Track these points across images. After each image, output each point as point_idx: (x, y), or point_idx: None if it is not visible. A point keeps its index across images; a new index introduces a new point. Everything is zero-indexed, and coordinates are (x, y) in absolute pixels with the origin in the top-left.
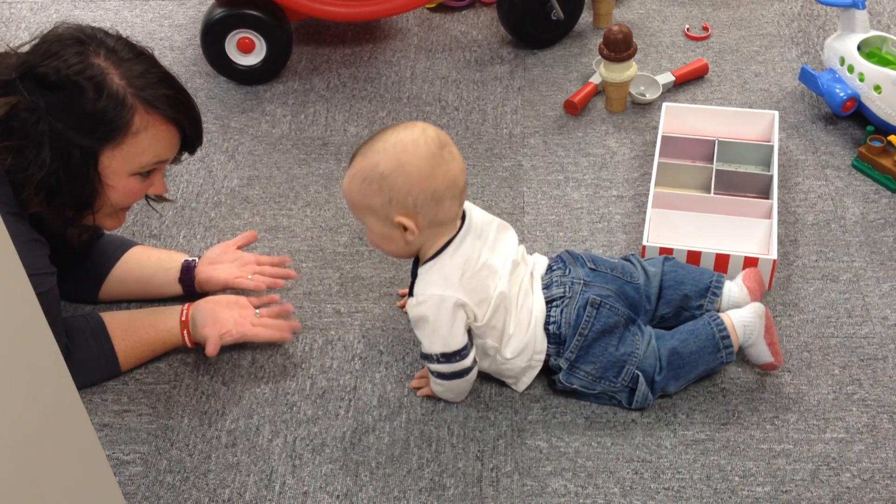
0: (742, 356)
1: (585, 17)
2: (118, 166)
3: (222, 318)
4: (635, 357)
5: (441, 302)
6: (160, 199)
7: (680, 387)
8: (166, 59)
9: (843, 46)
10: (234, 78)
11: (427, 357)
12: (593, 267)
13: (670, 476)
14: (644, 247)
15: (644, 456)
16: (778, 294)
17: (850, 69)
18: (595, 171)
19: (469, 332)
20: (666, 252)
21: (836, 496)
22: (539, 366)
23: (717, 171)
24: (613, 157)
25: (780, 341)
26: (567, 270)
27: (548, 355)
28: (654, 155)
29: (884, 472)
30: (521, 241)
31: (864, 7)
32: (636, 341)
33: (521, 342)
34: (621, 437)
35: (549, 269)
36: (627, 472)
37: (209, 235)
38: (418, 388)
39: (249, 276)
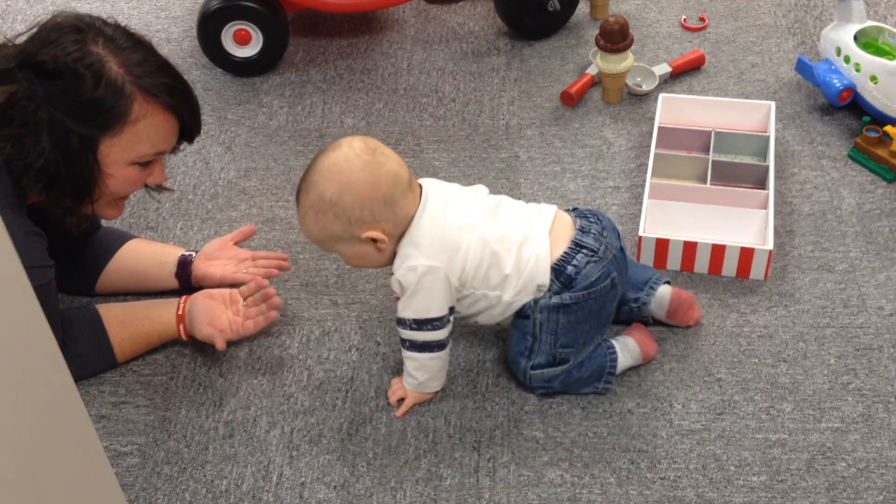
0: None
1: (582, 8)
2: (117, 155)
3: (219, 317)
4: (582, 350)
5: (418, 271)
6: (160, 188)
7: (557, 394)
8: (163, 51)
9: (840, 37)
10: (231, 70)
11: (401, 322)
12: (622, 248)
13: (666, 466)
14: (640, 237)
15: (640, 446)
16: (774, 284)
17: (847, 59)
18: (591, 163)
19: (451, 310)
20: (662, 243)
21: (831, 485)
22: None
23: (713, 161)
24: (610, 148)
25: (777, 332)
26: (604, 231)
27: (549, 290)
28: (650, 146)
29: (879, 462)
30: None
31: None
32: (593, 341)
33: (522, 278)
34: (617, 427)
35: (586, 216)
36: (623, 462)
37: (206, 227)
38: (398, 402)
39: (244, 270)
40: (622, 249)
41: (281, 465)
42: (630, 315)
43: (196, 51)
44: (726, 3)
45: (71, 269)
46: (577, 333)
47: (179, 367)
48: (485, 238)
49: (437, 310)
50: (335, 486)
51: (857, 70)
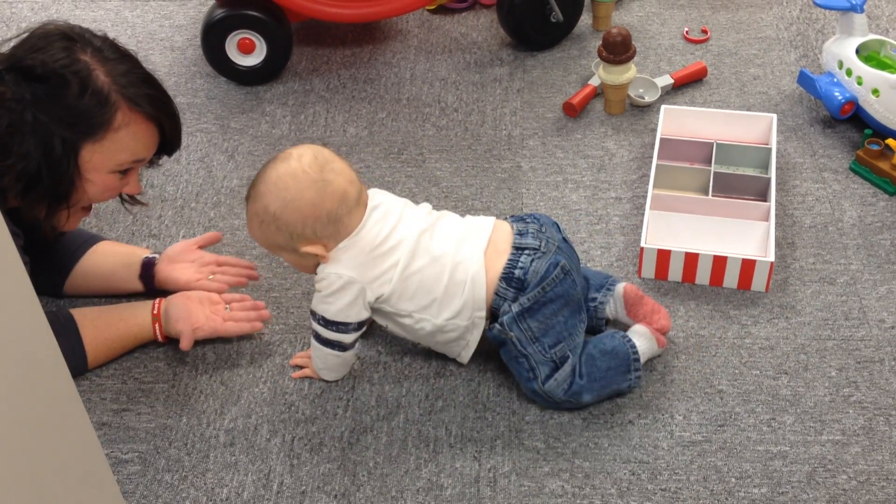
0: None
1: (585, 20)
2: (98, 161)
3: (195, 314)
4: (573, 340)
5: (337, 279)
6: (134, 201)
7: (591, 400)
8: (166, 60)
9: (842, 50)
10: (235, 78)
11: (313, 314)
12: (565, 239)
13: (667, 477)
14: (642, 249)
15: (641, 457)
16: (775, 296)
17: (849, 73)
18: (593, 173)
19: (362, 322)
20: (664, 254)
21: (832, 498)
22: (482, 324)
23: (715, 173)
24: (612, 159)
25: (778, 344)
26: (542, 228)
27: (502, 301)
28: (652, 157)
29: (880, 474)
30: None
31: (862, 11)
32: (579, 329)
33: (459, 303)
34: (618, 438)
35: (523, 220)
36: (624, 473)
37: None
38: (300, 368)
39: (210, 277)
40: (566, 240)
41: (282, 474)
42: (588, 316)
43: (200, 59)
44: (728, 15)
45: (39, 270)
46: (555, 328)
47: (181, 374)
48: (414, 262)
49: (345, 317)
50: (336, 495)
51: (859, 83)
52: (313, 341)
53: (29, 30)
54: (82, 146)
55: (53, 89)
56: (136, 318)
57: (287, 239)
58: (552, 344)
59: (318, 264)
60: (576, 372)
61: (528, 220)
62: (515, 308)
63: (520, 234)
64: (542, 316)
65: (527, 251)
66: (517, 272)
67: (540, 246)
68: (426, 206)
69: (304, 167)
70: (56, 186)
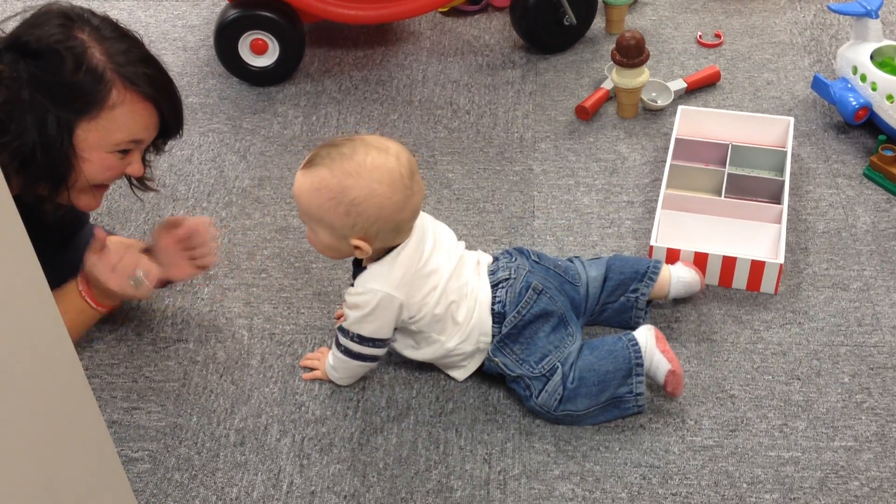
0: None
1: (598, 23)
2: (93, 140)
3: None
4: (561, 352)
5: (378, 296)
6: (144, 186)
7: (588, 407)
8: (179, 60)
9: (856, 55)
10: (247, 79)
11: (344, 332)
12: (537, 261)
13: (678, 482)
14: (651, 247)
15: (652, 461)
16: (788, 301)
17: (863, 78)
18: (606, 177)
19: (397, 328)
20: (673, 253)
21: None
22: (485, 351)
23: (729, 174)
24: (624, 162)
25: (790, 349)
26: (513, 259)
27: (493, 336)
28: (665, 161)
29: (892, 481)
30: (532, 244)
31: (877, 16)
32: (567, 340)
33: (468, 327)
34: (629, 441)
35: (496, 259)
36: (635, 478)
37: (220, 235)
38: (310, 369)
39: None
40: (537, 261)
41: (291, 474)
42: (626, 308)
43: (213, 60)
44: (742, 20)
45: (51, 270)
46: (538, 343)
47: (191, 374)
48: (448, 287)
49: (384, 333)
50: (345, 496)
51: (874, 89)
52: (340, 355)
53: (31, 8)
54: (77, 124)
55: (48, 65)
56: (66, 286)
57: (346, 225)
58: (538, 359)
59: (347, 253)
60: (566, 380)
61: (500, 257)
62: (497, 339)
63: (492, 272)
64: (524, 338)
65: (500, 285)
66: (496, 307)
67: (510, 275)
68: (452, 234)
69: (401, 168)
70: (51, 165)
